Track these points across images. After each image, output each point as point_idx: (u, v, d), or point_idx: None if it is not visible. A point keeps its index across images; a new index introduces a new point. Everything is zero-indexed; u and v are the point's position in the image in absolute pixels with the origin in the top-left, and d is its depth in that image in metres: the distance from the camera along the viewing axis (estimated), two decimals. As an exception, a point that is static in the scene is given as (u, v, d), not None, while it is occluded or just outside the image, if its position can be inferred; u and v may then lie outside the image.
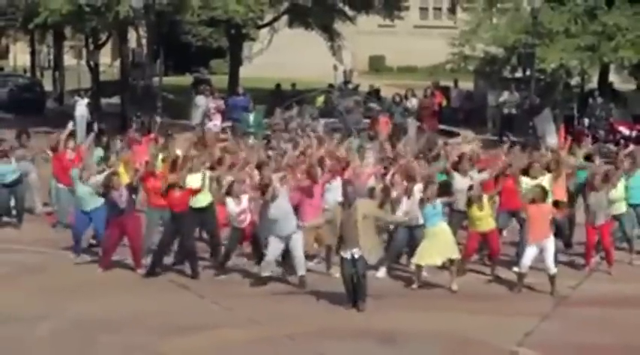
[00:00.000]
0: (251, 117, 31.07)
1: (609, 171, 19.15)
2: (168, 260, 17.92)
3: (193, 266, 17.48)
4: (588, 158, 20.38)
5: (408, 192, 17.23)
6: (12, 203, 21.53)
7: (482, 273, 17.83)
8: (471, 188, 17.36)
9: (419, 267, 16.88)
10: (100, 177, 17.97)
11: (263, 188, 16.94)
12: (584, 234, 18.70)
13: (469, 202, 17.27)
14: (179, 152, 18.84)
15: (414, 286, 16.82)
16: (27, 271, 17.73)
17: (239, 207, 17.16)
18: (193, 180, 17.71)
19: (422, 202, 16.83)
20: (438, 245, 16.65)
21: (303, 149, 19.95)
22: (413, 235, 17.23)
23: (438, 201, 16.86)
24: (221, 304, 15.87)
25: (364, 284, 15.36)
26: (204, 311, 15.57)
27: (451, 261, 16.82)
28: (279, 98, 38.51)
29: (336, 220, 15.34)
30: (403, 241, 17.54)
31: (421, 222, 16.97)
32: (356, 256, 15.11)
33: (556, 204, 17.68)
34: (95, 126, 26.19)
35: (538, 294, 16.59)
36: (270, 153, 21.11)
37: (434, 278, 17.11)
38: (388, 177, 17.77)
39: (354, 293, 15.34)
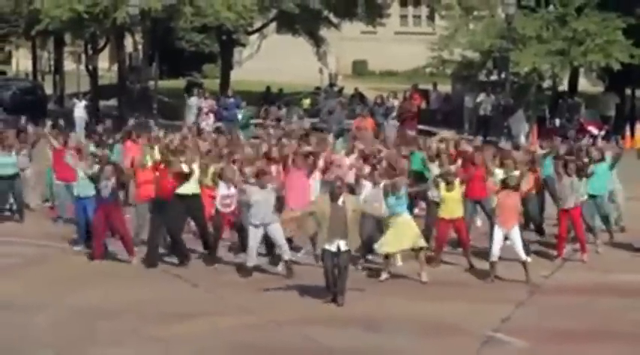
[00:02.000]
0: (240, 115, 31.03)
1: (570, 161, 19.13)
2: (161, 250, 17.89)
3: (179, 253, 17.45)
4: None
5: (375, 180, 17.16)
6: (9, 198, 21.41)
7: (459, 264, 17.73)
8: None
9: (386, 257, 16.73)
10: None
11: (259, 174, 16.80)
12: (554, 225, 18.87)
13: (443, 181, 17.28)
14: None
15: (383, 277, 16.64)
16: (28, 263, 17.63)
17: (228, 191, 17.18)
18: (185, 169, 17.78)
19: (385, 192, 16.65)
20: (402, 234, 16.48)
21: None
22: (380, 224, 17.20)
23: (402, 191, 16.65)
24: (213, 292, 15.79)
25: (345, 278, 15.10)
26: (197, 299, 15.49)
27: (418, 249, 16.64)
28: (268, 100, 38.52)
29: (321, 212, 15.12)
30: (372, 229, 17.33)
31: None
32: (342, 248, 14.91)
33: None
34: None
35: (513, 283, 16.51)
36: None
37: (411, 268, 16.97)
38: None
39: (335, 285, 15.09)
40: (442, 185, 17.34)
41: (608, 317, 14.74)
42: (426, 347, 13.32)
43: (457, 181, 17.33)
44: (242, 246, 17.49)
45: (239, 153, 19.32)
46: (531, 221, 19.52)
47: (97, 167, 17.86)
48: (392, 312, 14.67)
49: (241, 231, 17.47)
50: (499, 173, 17.87)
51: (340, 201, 15.01)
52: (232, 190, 17.29)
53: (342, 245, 14.88)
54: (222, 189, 17.34)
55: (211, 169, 18.18)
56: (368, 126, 30.00)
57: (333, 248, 14.89)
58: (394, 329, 13.93)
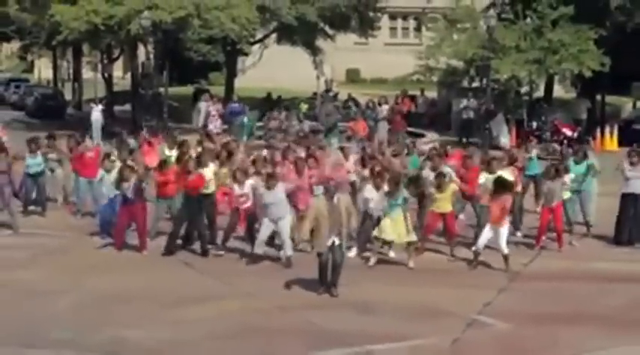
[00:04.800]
0: (245, 118, 31.07)
1: (559, 165, 19.23)
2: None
3: (203, 246, 17.42)
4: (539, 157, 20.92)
5: (378, 185, 17.13)
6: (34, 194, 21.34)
7: (446, 253, 17.73)
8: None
9: (377, 239, 16.79)
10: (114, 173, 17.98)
11: (267, 178, 16.79)
12: (533, 219, 18.85)
13: (436, 185, 17.39)
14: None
15: (372, 262, 16.72)
16: (51, 252, 17.60)
17: (241, 191, 17.15)
18: (206, 172, 17.85)
19: (390, 194, 16.76)
20: (396, 228, 16.56)
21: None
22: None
23: (401, 195, 16.78)
24: (220, 280, 15.76)
25: (339, 272, 14.94)
26: (206, 285, 15.45)
27: (408, 243, 16.75)
28: (269, 105, 38.59)
29: (321, 213, 14.83)
30: (370, 228, 17.31)
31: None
32: (336, 243, 14.80)
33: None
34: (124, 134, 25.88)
35: (494, 271, 16.53)
36: (266, 151, 21.02)
37: (400, 257, 16.99)
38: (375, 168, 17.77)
39: (330, 277, 14.90)
40: (434, 189, 17.40)
41: (582, 301, 14.76)
42: (416, 328, 13.29)
43: (449, 182, 17.38)
44: (248, 237, 17.48)
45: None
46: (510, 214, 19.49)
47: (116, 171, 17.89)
48: (384, 297, 14.64)
49: (249, 225, 17.45)
50: (485, 175, 17.89)
51: (335, 200, 14.94)
52: (245, 189, 17.23)
53: (337, 240, 14.79)
54: (236, 189, 17.27)
55: (224, 170, 18.39)
56: (360, 128, 30.03)
57: (328, 243, 14.80)
58: (386, 313, 13.90)
